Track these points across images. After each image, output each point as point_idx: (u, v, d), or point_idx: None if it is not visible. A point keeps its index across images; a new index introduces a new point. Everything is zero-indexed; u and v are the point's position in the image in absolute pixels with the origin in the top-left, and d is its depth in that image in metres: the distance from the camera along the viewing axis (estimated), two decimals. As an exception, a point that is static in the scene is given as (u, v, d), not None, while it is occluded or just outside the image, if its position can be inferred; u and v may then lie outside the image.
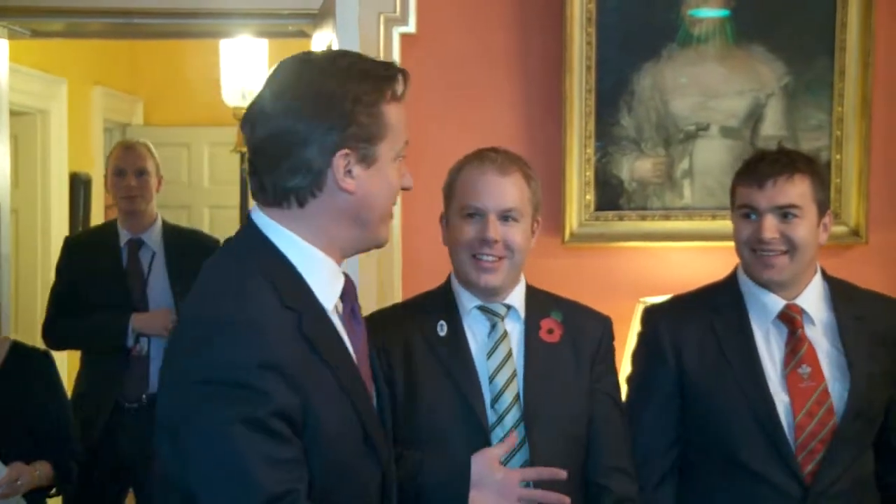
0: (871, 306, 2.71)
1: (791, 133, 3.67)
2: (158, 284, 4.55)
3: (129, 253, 4.59)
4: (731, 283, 2.75)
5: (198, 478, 1.72)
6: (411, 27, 3.72)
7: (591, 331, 2.61)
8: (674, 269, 3.71)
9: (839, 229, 3.65)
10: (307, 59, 1.93)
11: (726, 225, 3.69)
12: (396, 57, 3.71)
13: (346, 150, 1.86)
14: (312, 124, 1.84)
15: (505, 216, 2.49)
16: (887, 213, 3.72)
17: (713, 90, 3.71)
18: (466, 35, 3.77)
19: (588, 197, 3.73)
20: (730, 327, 2.67)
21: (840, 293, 2.70)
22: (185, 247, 4.60)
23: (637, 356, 2.85)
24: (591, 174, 3.72)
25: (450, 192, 2.59)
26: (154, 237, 4.62)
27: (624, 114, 3.72)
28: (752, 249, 2.63)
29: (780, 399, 2.59)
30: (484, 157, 2.55)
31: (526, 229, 2.53)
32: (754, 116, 3.70)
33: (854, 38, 3.65)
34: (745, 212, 2.65)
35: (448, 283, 2.63)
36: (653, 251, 3.76)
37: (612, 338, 2.65)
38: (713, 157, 3.72)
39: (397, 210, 3.73)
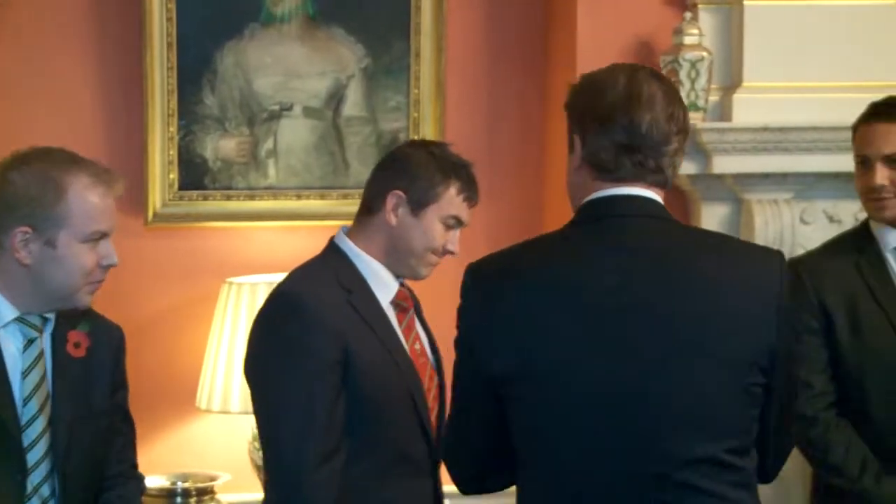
0: None
1: (371, 114, 3.77)
2: None
3: None
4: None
5: None
6: (-23, -4, 3.51)
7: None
8: (259, 248, 3.72)
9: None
10: None
11: (310, 204, 3.76)
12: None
13: None
14: None
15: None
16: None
17: (296, 70, 3.73)
18: (39, 9, 3.59)
19: (172, 176, 3.67)
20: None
21: None
22: None
23: None
24: (174, 153, 3.66)
25: None
26: None
27: (207, 92, 3.68)
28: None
29: None
30: None
31: None
32: (336, 97, 3.77)
33: (428, 21, 3.78)
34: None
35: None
36: (238, 231, 3.76)
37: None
38: (297, 138, 3.75)
39: None
